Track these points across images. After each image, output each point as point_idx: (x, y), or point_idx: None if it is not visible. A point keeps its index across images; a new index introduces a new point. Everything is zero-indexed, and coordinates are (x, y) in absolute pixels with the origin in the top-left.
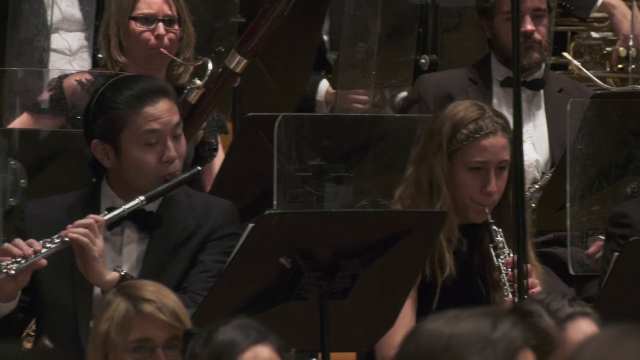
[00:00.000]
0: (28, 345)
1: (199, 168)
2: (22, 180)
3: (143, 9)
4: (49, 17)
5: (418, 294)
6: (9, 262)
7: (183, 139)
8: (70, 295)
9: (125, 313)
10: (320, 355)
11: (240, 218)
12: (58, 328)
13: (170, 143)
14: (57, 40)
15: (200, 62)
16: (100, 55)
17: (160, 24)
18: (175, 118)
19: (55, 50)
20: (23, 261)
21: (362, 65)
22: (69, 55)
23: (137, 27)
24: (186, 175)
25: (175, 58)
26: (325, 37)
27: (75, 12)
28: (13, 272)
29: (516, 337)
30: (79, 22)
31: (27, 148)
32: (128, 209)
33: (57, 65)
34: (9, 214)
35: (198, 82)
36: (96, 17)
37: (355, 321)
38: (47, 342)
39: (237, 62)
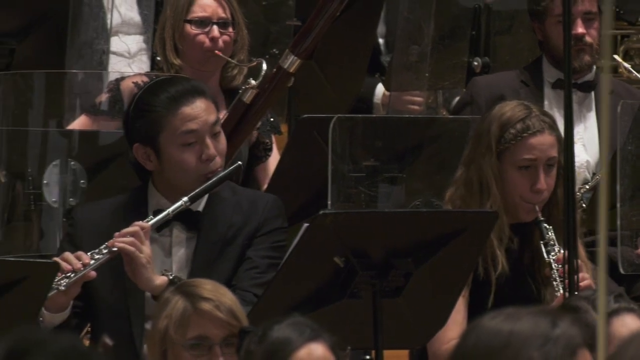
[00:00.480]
0: None
1: (240, 163)
2: (82, 181)
3: (198, 12)
4: (108, 21)
5: (471, 292)
6: (60, 277)
7: (223, 137)
8: (122, 299)
9: (184, 311)
10: (373, 352)
11: (295, 218)
12: (112, 330)
13: (209, 141)
14: (117, 43)
15: (254, 63)
16: (158, 58)
17: (215, 27)
18: (212, 117)
19: (114, 53)
20: (72, 275)
21: (415, 67)
22: (128, 57)
23: (192, 30)
24: (227, 171)
25: (229, 60)
26: (379, 40)
27: (134, 15)
28: (63, 287)
29: (575, 335)
30: (137, 25)
31: (87, 149)
32: (172, 211)
33: (117, 67)
34: (67, 215)
35: (253, 82)
36: (155, 20)
37: (408, 319)
38: (107, 341)
39: (290, 62)
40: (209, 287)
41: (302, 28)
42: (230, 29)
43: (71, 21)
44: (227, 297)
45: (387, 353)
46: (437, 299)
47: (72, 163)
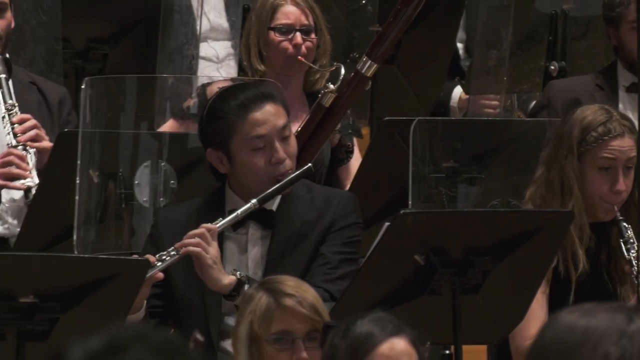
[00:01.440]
0: None
1: (310, 165)
2: (172, 182)
3: (281, 19)
4: (197, 27)
5: (551, 289)
6: None
7: (293, 139)
8: (200, 297)
9: (267, 306)
10: (452, 347)
11: (376, 217)
12: (192, 327)
13: (278, 145)
14: (206, 49)
15: (333, 68)
16: (245, 63)
17: (298, 34)
18: (281, 121)
19: (203, 58)
20: None
21: (494, 71)
22: (216, 62)
23: (275, 37)
24: (297, 173)
25: (312, 65)
26: (459, 45)
27: (223, 22)
28: None
29: None
30: (226, 31)
31: (177, 151)
32: (241, 213)
33: (205, 72)
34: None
35: (331, 86)
36: (242, 26)
37: (486, 315)
38: (198, 336)
39: (368, 67)
40: (292, 284)
41: (378, 34)
42: (313, 35)
43: (162, 27)
44: (309, 292)
45: (465, 348)
46: (514, 295)
47: (163, 164)
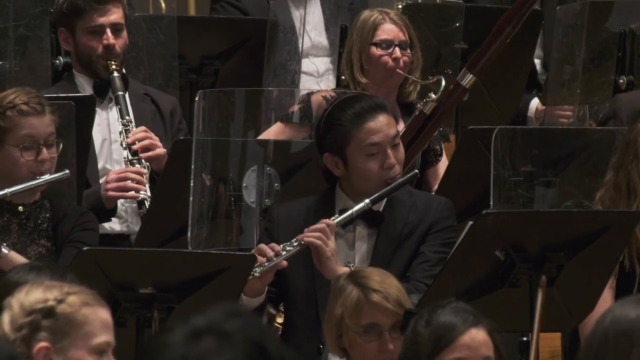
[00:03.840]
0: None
1: (416, 171)
2: (276, 184)
3: (381, 35)
4: (300, 45)
5: (617, 282)
6: (256, 266)
7: (401, 147)
8: (311, 285)
9: (357, 301)
10: (530, 335)
11: (461, 216)
12: (302, 312)
13: (389, 152)
14: (307, 64)
15: (435, 80)
16: (343, 77)
17: (397, 49)
18: (393, 130)
19: (305, 73)
20: (267, 264)
21: (568, 84)
22: (316, 77)
23: (376, 51)
24: (405, 178)
25: (410, 76)
26: (536, 61)
27: (323, 40)
28: (257, 274)
29: None
30: (325, 48)
31: (280, 157)
32: (356, 212)
33: (306, 85)
34: (264, 213)
35: (433, 96)
36: (340, 44)
37: (560, 306)
38: (272, 310)
39: (467, 79)
40: (377, 279)
41: (479, 50)
42: (409, 51)
43: (268, 45)
44: (394, 286)
45: (542, 335)
46: (586, 288)
47: (268, 168)
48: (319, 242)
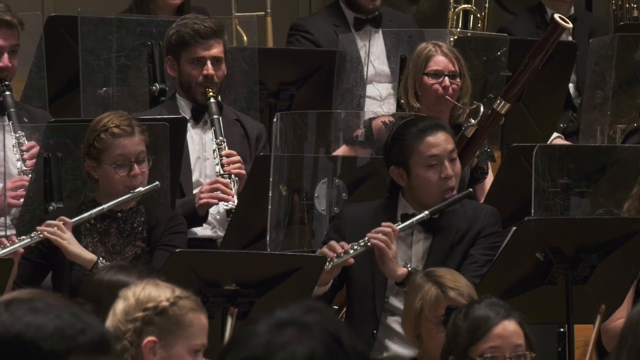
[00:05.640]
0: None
1: (470, 190)
2: (344, 194)
3: (433, 66)
4: (365, 73)
5: (638, 282)
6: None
7: (458, 162)
8: (370, 280)
9: (437, 297)
10: (566, 326)
11: (505, 223)
12: (361, 302)
13: (447, 164)
14: (371, 90)
15: (474, 106)
16: (402, 101)
17: (446, 78)
18: (450, 145)
19: (369, 97)
20: (336, 259)
21: (599, 107)
22: (379, 100)
23: (428, 80)
24: (460, 195)
25: (456, 103)
26: (571, 86)
27: (385, 68)
28: (328, 268)
29: None
30: (387, 75)
31: (347, 171)
32: (416, 221)
33: (370, 108)
34: (333, 219)
35: (473, 121)
36: (400, 72)
37: (593, 301)
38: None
39: (502, 106)
40: (450, 277)
41: (511, 79)
42: (458, 80)
43: (337, 73)
44: (464, 284)
45: (576, 327)
46: (615, 285)
47: (337, 181)
48: (383, 244)
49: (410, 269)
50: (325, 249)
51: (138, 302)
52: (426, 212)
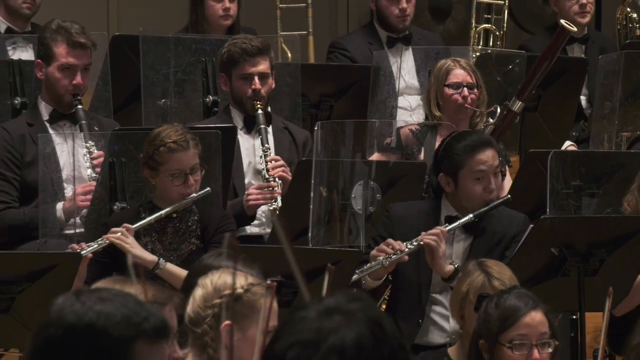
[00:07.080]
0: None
1: (509, 196)
2: (378, 195)
3: (452, 79)
4: (397, 86)
5: None
6: (383, 257)
7: (500, 174)
8: (416, 274)
9: (482, 284)
10: (578, 313)
11: None
12: (406, 294)
13: (492, 178)
14: (402, 101)
15: (492, 108)
16: (427, 111)
17: (465, 89)
18: (496, 162)
19: (400, 108)
20: (393, 256)
21: (608, 117)
22: (409, 111)
23: (448, 91)
24: (501, 201)
25: (475, 109)
26: (582, 98)
27: (414, 82)
28: (386, 264)
29: None
30: (416, 88)
31: (381, 174)
32: (462, 223)
33: (402, 118)
34: (370, 218)
35: (491, 120)
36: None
37: (602, 291)
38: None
39: (517, 105)
40: (496, 269)
41: (524, 81)
42: (476, 90)
43: (371, 86)
44: (508, 275)
45: (587, 314)
46: (622, 277)
47: (371, 183)
48: (434, 243)
49: (457, 266)
50: (383, 246)
51: (216, 289)
52: (471, 215)
